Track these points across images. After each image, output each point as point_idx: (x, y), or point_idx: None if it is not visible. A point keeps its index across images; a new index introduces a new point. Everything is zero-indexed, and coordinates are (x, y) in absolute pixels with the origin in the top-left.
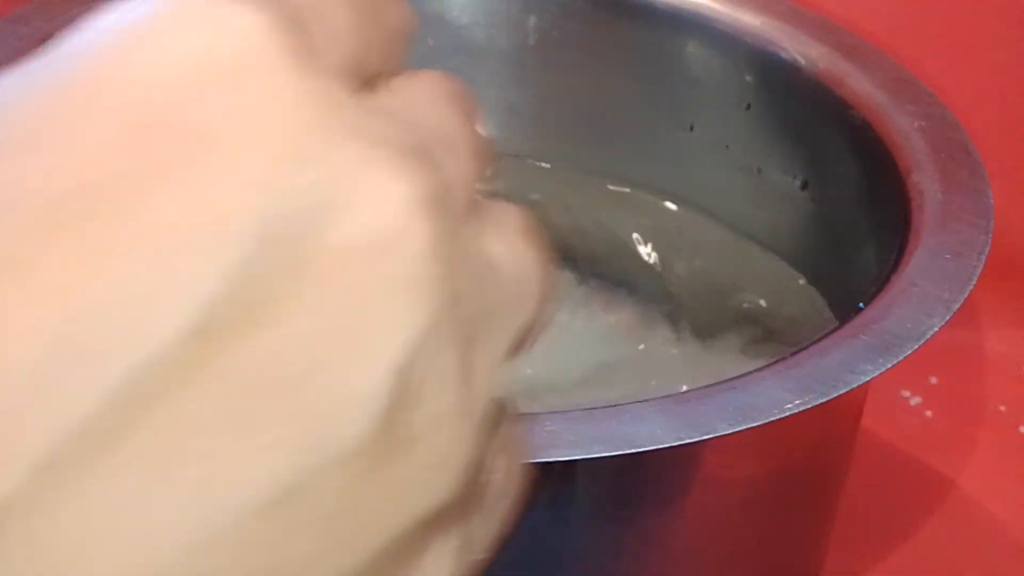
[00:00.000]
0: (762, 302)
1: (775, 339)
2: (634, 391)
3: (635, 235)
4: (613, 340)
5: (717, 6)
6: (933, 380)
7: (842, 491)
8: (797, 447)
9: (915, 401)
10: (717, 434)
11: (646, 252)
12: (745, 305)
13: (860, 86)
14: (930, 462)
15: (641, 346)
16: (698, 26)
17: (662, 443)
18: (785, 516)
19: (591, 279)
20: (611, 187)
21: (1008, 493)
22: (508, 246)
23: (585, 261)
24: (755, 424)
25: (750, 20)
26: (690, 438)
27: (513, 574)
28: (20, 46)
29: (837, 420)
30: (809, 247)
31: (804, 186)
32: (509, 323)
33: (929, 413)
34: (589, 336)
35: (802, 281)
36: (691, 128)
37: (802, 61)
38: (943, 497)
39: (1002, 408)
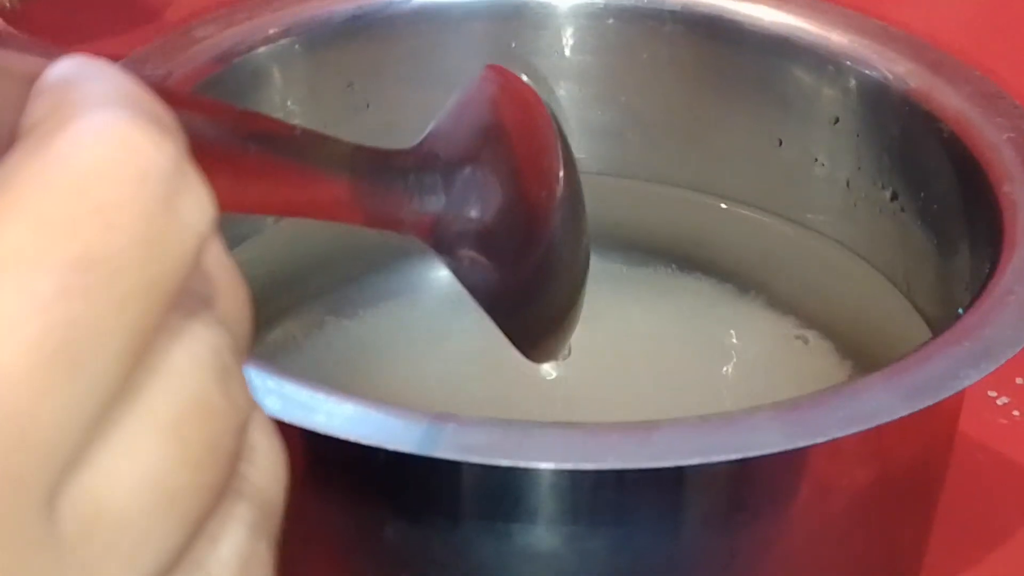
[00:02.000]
0: (854, 311)
1: (868, 349)
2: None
3: (725, 241)
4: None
5: (806, 25)
6: (1020, 380)
7: (941, 494)
8: (902, 451)
9: (1002, 401)
10: (829, 438)
11: (734, 257)
12: (837, 313)
13: (948, 100)
14: (1018, 460)
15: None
16: (787, 44)
17: (777, 448)
18: (889, 520)
19: (683, 275)
20: (701, 200)
21: None
22: None
23: (674, 261)
24: (866, 428)
25: (838, 38)
26: (804, 443)
27: None
28: (197, 65)
29: (938, 424)
30: (901, 259)
31: (894, 197)
32: None
33: (1017, 413)
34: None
35: (894, 292)
36: (780, 143)
37: (890, 76)
38: None
39: None
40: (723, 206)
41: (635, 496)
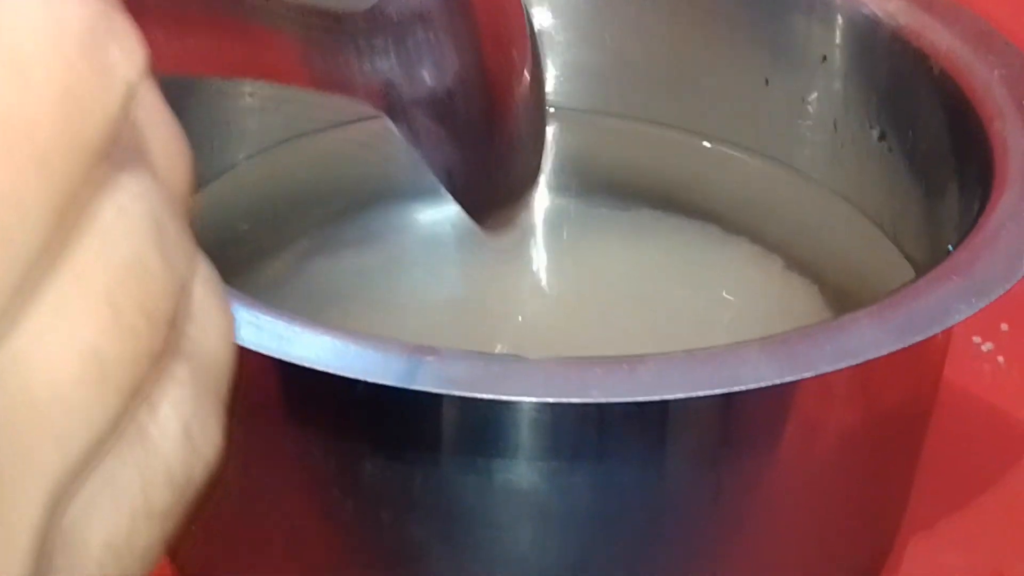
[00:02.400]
0: (840, 255)
1: (854, 294)
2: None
3: (711, 182)
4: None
5: None
6: (1004, 327)
7: (925, 436)
8: (890, 390)
9: (987, 347)
10: (819, 372)
11: (721, 198)
12: (823, 256)
13: (938, 38)
14: (1002, 406)
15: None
16: None
17: (766, 382)
18: (875, 461)
19: (669, 216)
20: (686, 141)
21: None
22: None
23: (659, 202)
24: (856, 363)
25: None
26: (793, 377)
27: (614, 514)
28: None
29: (925, 363)
30: (888, 201)
31: (882, 137)
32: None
33: (1001, 359)
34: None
35: (881, 236)
36: (766, 83)
37: (879, 14)
38: (1015, 441)
39: None
40: (708, 146)
41: (619, 432)
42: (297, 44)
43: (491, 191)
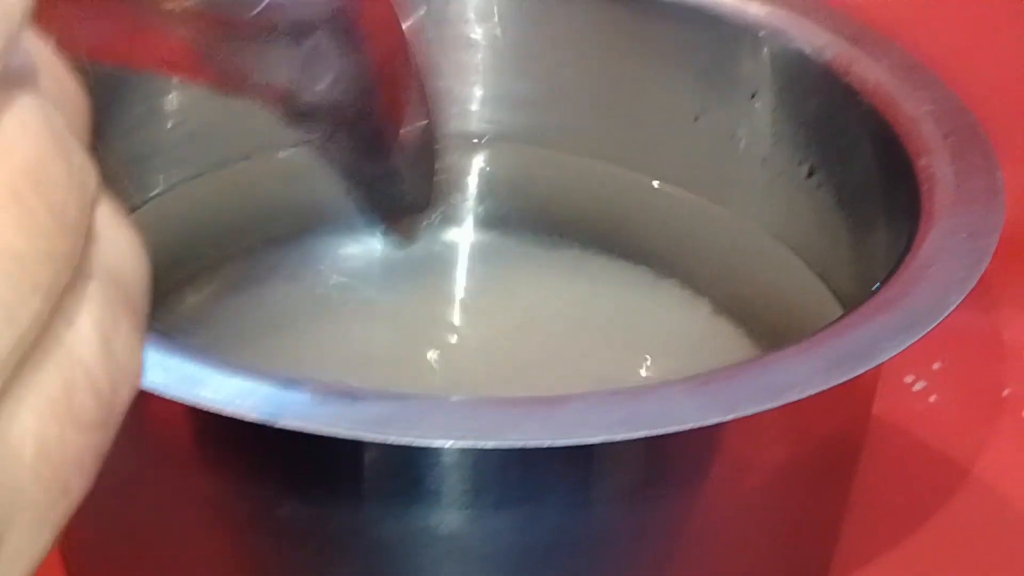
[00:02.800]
0: (769, 295)
1: (783, 334)
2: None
3: (641, 219)
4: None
5: None
6: (936, 365)
7: (855, 473)
8: (818, 428)
9: (919, 386)
10: (744, 413)
11: (651, 235)
12: (752, 296)
13: (867, 72)
14: (935, 445)
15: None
16: (704, 14)
17: (690, 424)
18: (803, 499)
19: (598, 255)
20: (621, 175)
21: (1013, 474)
22: None
23: (589, 239)
24: (783, 402)
25: (756, 9)
26: (718, 419)
27: (538, 558)
28: None
29: (854, 401)
30: (817, 239)
31: (810, 173)
32: None
33: (934, 398)
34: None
35: (810, 275)
36: (695, 119)
37: (808, 49)
38: (948, 479)
39: (1006, 392)
40: (642, 180)
41: (540, 474)
42: (191, 42)
43: (392, 202)
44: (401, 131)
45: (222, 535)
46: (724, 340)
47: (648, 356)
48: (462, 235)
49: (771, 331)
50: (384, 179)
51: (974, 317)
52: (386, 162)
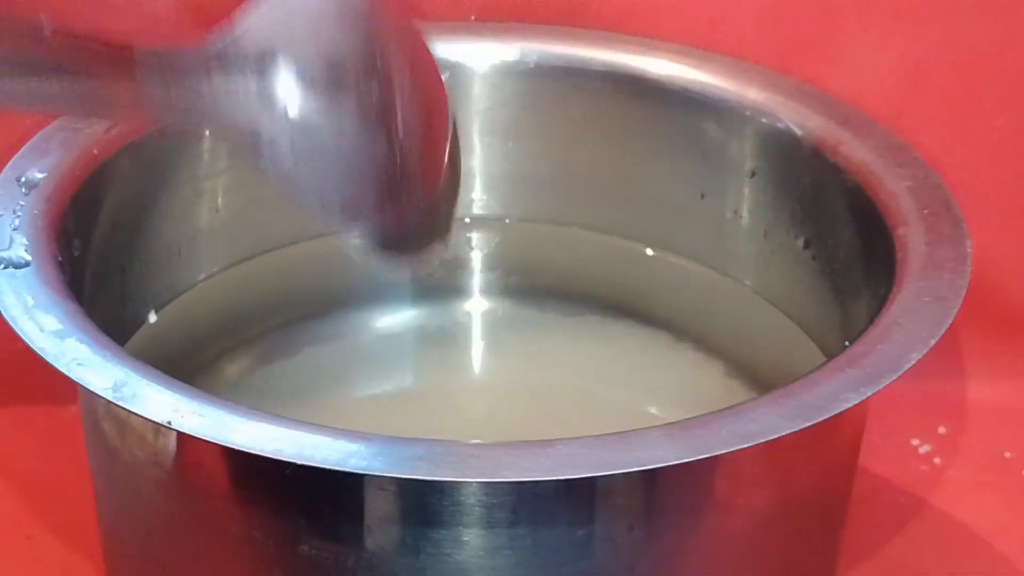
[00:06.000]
0: (773, 359)
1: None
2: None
3: (655, 289)
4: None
5: (725, 84)
6: (942, 430)
7: (843, 525)
8: (799, 474)
9: (924, 449)
10: (714, 453)
11: (665, 303)
12: (754, 355)
13: (853, 152)
14: (938, 504)
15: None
16: (707, 102)
17: (664, 462)
18: (792, 545)
19: (616, 321)
20: (631, 249)
21: (1012, 530)
22: None
23: (607, 307)
24: (750, 444)
25: (754, 96)
26: (690, 457)
27: None
28: None
29: (834, 450)
30: (813, 307)
31: (806, 245)
32: None
33: (938, 460)
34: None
35: (808, 342)
36: (702, 196)
37: (799, 132)
38: (948, 537)
39: (1008, 455)
40: (651, 254)
41: (534, 507)
42: (139, 86)
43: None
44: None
45: (251, 570)
46: (736, 398)
47: (664, 412)
48: (486, 305)
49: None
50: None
51: (977, 387)
52: (414, 221)
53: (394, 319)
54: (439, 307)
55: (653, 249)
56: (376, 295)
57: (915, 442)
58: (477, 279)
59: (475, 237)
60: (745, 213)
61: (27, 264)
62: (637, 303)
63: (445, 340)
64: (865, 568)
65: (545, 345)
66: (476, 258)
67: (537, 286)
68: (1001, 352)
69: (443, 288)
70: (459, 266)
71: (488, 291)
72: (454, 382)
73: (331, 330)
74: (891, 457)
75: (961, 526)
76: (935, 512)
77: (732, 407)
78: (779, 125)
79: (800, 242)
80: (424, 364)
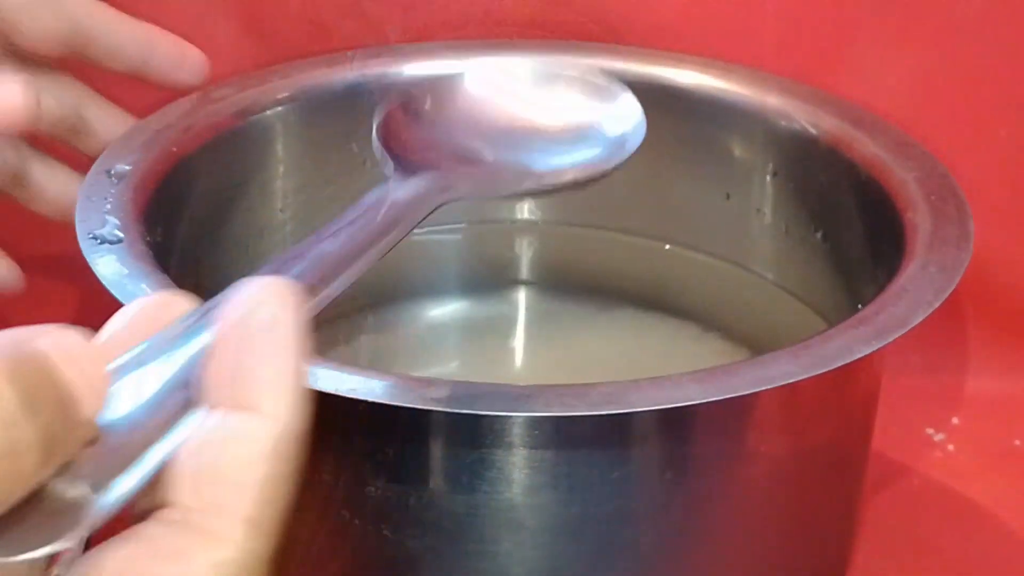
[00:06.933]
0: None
1: None
2: None
3: (684, 284)
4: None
5: (747, 93)
6: (955, 420)
7: (863, 479)
8: (816, 421)
9: (939, 437)
10: (738, 394)
11: (694, 297)
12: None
13: (866, 149)
14: (951, 485)
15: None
16: (731, 111)
17: (695, 400)
18: (811, 494)
19: (648, 315)
20: (659, 248)
21: (1021, 509)
22: None
23: (639, 301)
24: (770, 387)
25: (773, 102)
26: (717, 396)
27: (577, 523)
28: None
29: (850, 400)
30: (831, 293)
31: (824, 238)
32: None
33: (951, 447)
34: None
35: (822, 323)
36: (727, 197)
37: (816, 132)
38: (961, 514)
39: (1017, 443)
40: (683, 252)
41: (574, 447)
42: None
43: None
44: None
45: (321, 511)
46: None
47: None
48: (528, 299)
49: None
50: None
51: (988, 381)
52: None
53: (443, 311)
54: (485, 301)
55: (682, 248)
56: (427, 289)
57: (930, 431)
58: (521, 276)
59: (519, 239)
60: (768, 211)
61: (119, 241)
62: (666, 298)
63: (490, 330)
64: (883, 544)
65: (582, 336)
66: (520, 257)
67: (575, 283)
68: (1010, 348)
69: (489, 283)
70: (504, 264)
71: (530, 287)
72: (498, 368)
73: (386, 320)
74: (907, 445)
75: (973, 506)
76: (949, 493)
77: (754, 358)
78: (797, 127)
79: (819, 235)
80: (470, 352)
